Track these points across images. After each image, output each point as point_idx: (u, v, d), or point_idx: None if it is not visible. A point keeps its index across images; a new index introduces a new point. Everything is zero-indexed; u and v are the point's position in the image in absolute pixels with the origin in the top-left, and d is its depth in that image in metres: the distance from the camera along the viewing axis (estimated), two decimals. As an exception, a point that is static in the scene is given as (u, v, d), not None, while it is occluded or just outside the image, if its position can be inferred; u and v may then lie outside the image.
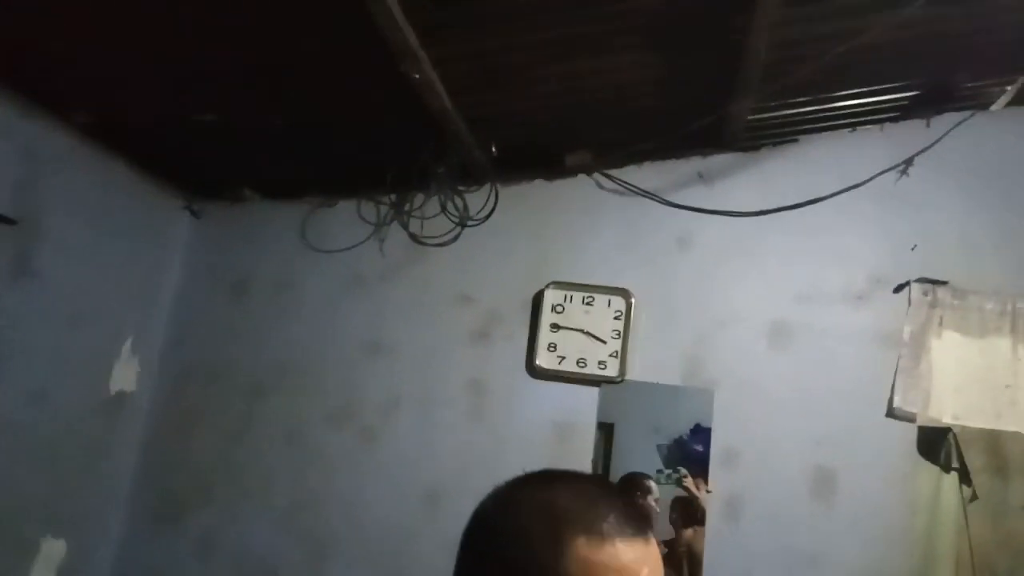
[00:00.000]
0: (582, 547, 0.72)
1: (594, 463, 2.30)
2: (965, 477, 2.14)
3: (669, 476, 2.26)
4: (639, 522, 0.76)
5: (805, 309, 2.30)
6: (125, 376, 2.47)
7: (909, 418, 2.16)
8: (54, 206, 2.11)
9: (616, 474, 2.27)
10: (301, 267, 2.62)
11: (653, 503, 2.25)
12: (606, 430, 2.32)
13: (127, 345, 2.47)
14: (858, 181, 2.30)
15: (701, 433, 2.27)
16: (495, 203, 2.49)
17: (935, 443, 2.16)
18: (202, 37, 1.81)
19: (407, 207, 2.56)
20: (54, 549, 2.24)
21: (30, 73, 1.92)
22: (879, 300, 2.25)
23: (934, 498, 2.14)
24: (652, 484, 2.27)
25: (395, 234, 2.58)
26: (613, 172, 2.48)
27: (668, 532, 2.21)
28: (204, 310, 2.64)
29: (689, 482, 2.24)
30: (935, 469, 2.15)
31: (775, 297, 2.32)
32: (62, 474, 2.24)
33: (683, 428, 2.28)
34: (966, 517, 2.12)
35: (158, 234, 2.59)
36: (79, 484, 2.31)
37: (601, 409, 2.34)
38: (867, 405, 2.19)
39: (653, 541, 0.77)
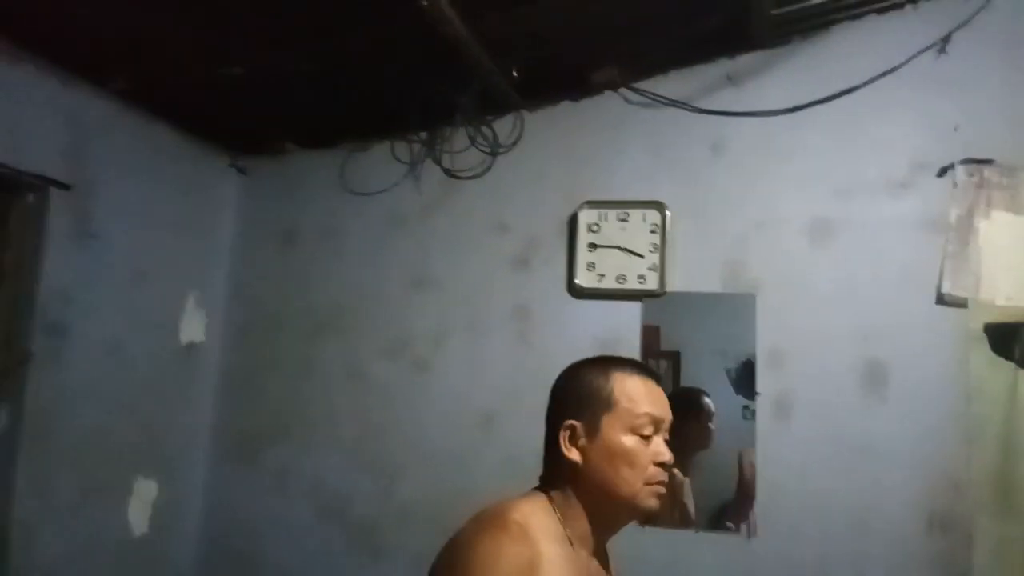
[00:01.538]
0: (620, 377, 1.17)
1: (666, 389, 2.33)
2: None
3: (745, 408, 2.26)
4: (652, 371, 1.24)
5: (845, 203, 2.25)
6: (193, 328, 2.63)
7: (960, 303, 2.11)
8: (105, 171, 2.24)
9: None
10: (344, 212, 2.71)
11: (710, 424, 2.27)
12: (673, 358, 2.33)
13: (191, 299, 2.62)
14: (893, 66, 2.22)
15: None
16: (521, 129, 2.51)
17: (1009, 338, 2.09)
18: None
19: (438, 143, 2.61)
20: (147, 489, 2.43)
21: (65, 44, 2.02)
22: (922, 186, 2.19)
23: (1010, 395, 2.09)
24: (707, 402, 2.29)
25: (429, 171, 2.63)
26: (639, 84, 2.45)
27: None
28: (259, 261, 2.77)
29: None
30: (1009, 365, 2.08)
31: (814, 194, 2.28)
32: (146, 420, 2.42)
33: (738, 348, 2.27)
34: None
35: (208, 192, 2.72)
36: (163, 429, 2.50)
37: (646, 333, 2.35)
38: (915, 294, 2.15)
39: (660, 386, 1.21)
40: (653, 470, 1.15)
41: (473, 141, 2.55)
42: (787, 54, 2.34)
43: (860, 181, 2.25)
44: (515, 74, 2.36)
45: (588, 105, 2.51)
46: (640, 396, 1.17)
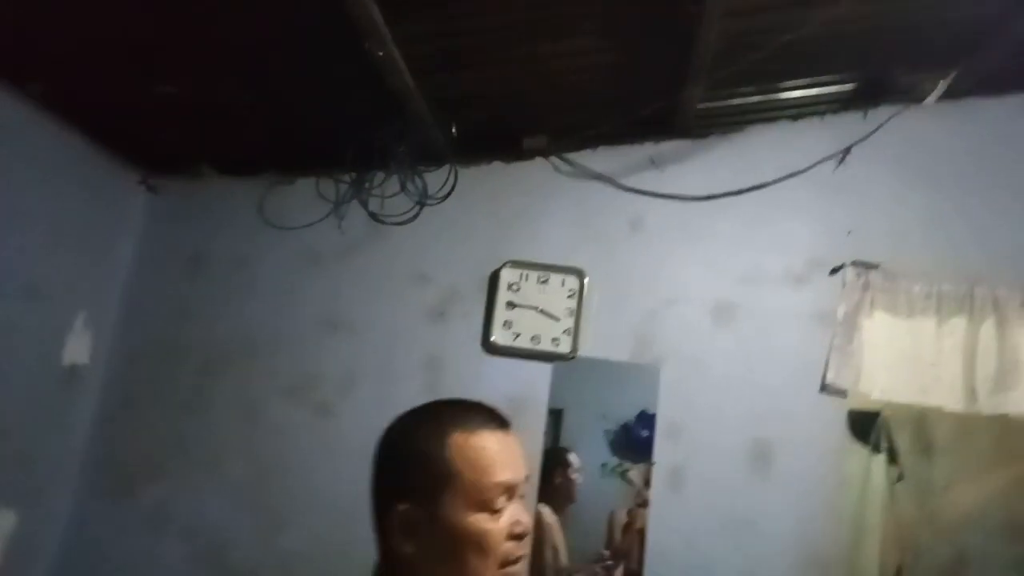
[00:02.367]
0: (458, 438, 0.98)
1: (545, 444, 2.38)
2: (893, 458, 2.28)
3: (614, 469, 2.34)
4: (501, 420, 1.04)
5: (747, 290, 2.41)
6: (78, 349, 2.45)
7: (841, 393, 2.29)
8: (7, 175, 2.09)
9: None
10: (258, 244, 2.64)
11: (575, 476, 2.35)
12: (555, 416, 2.40)
13: (80, 318, 2.45)
14: (799, 169, 2.43)
15: (646, 420, 2.36)
16: (454, 183, 2.55)
17: (866, 425, 2.29)
18: (160, 10, 1.83)
19: (367, 185, 2.60)
20: (3, 520, 2.22)
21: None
22: (816, 281, 2.38)
23: (864, 477, 2.28)
24: (572, 457, 2.36)
25: (354, 212, 2.61)
26: (569, 155, 2.56)
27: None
28: (159, 285, 2.64)
29: (633, 474, 2.33)
30: (865, 450, 2.28)
31: (720, 278, 2.43)
32: (13, 446, 2.22)
33: (629, 413, 2.37)
34: (892, 496, 2.26)
35: (114, 208, 2.57)
36: (30, 456, 2.30)
37: (553, 390, 2.41)
38: (803, 381, 2.32)
39: (512, 434, 1.03)
40: (508, 546, 0.96)
41: (404, 188, 2.56)
42: (707, 146, 2.52)
43: (762, 271, 2.42)
44: (454, 131, 2.41)
45: (518, 168, 2.59)
46: (488, 461, 0.97)
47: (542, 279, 2.48)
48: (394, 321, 2.52)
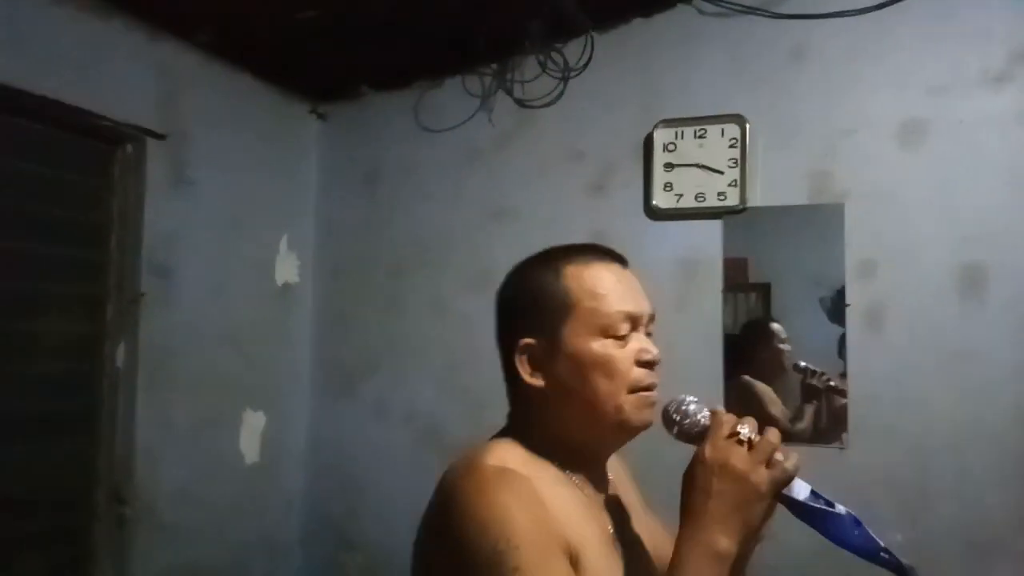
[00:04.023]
0: (573, 272, 0.99)
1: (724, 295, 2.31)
2: None
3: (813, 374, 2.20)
4: (616, 255, 1.04)
5: (939, 101, 2.13)
6: (287, 269, 2.75)
7: (1067, 199, 1.98)
8: (195, 120, 2.35)
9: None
10: (420, 150, 2.75)
11: (782, 346, 2.24)
12: (763, 289, 2.29)
13: (283, 242, 2.74)
14: (991, -53, 2.06)
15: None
16: (592, 52, 2.47)
17: None
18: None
19: (508, 73, 2.60)
20: (255, 420, 2.60)
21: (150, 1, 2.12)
22: (1022, 79, 2.04)
23: None
24: (776, 327, 2.25)
25: (501, 102, 2.63)
26: (713, -6, 2.37)
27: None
28: (343, 203, 2.86)
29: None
30: None
31: (902, 95, 2.17)
32: (251, 357, 2.57)
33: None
34: None
35: (291, 139, 2.81)
36: (267, 365, 2.65)
37: (727, 243, 2.32)
38: (1017, 194, 2.04)
39: (630, 271, 1.04)
40: (638, 373, 0.96)
41: (544, 68, 2.53)
42: (871, -53, 2.20)
43: (955, 77, 2.12)
44: (583, -7, 2.32)
45: (659, 20, 2.44)
46: (605, 289, 0.97)
47: (699, 133, 2.35)
48: (556, 201, 2.55)
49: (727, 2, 2.36)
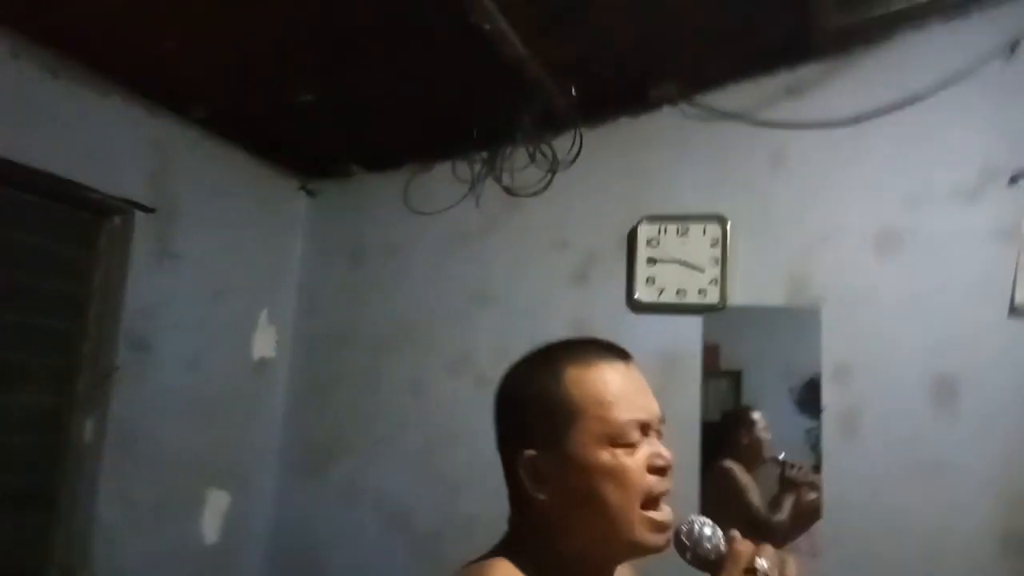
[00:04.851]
0: (576, 375, 0.92)
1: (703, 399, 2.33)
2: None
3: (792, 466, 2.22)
4: (619, 351, 0.97)
5: (912, 213, 2.21)
6: (265, 343, 2.73)
7: (1036, 315, 2.04)
8: (185, 195, 2.36)
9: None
10: (407, 230, 2.78)
11: (762, 435, 2.26)
12: (734, 377, 2.33)
13: (263, 316, 2.73)
14: (960, 72, 2.18)
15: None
16: (580, 146, 2.54)
17: None
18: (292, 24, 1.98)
19: (498, 161, 2.66)
20: (219, 499, 2.53)
21: (150, 76, 2.16)
22: (992, 195, 2.13)
23: None
24: (756, 416, 2.27)
25: (490, 189, 2.68)
26: (698, 99, 2.46)
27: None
28: (327, 279, 2.87)
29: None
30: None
31: (879, 204, 2.25)
32: (220, 433, 2.53)
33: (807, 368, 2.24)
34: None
35: (279, 214, 2.83)
36: (235, 442, 2.60)
37: (707, 339, 2.35)
38: (987, 306, 2.09)
39: (635, 366, 0.96)
40: (649, 480, 0.89)
41: (533, 159, 2.60)
42: (849, 64, 2.32)
43: (928, 190, 2.20)
44: (574, 92, 2.40)
45: (646, 120, 2.53)
46: (612, 395, 0.91)
47: (682, 231, 2.41)
48: (539, 289, 2.57)
49: (710, 107, 2.45)
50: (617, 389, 0.91)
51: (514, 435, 0.94)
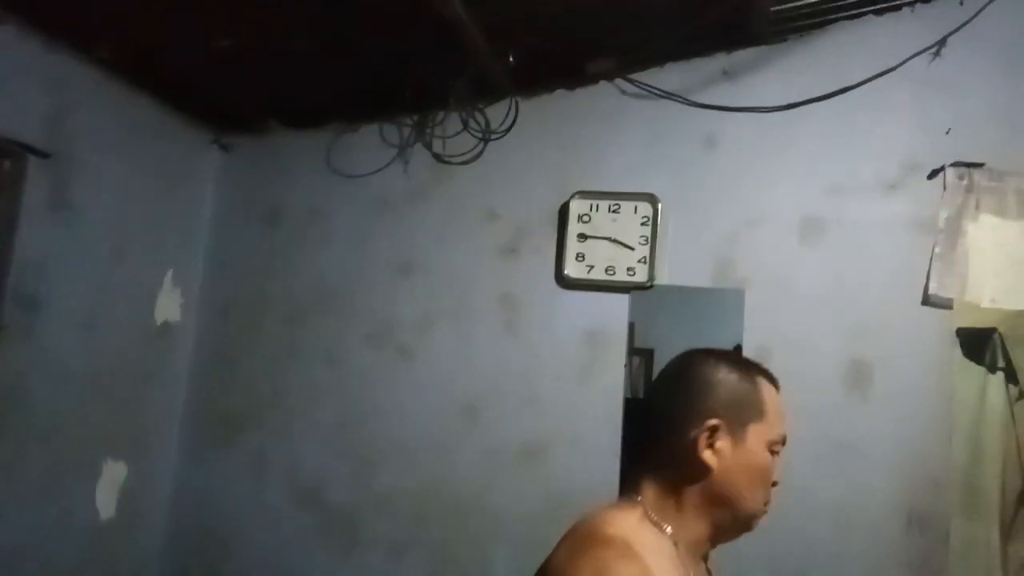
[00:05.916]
0: (764, 386, 1.08)
1: (627, 377, 2.33)
2: (1012, 376, 2.11)
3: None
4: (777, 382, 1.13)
5: (836, 202, 2.26)
6: (169, 307, 2.55)
7: (946, 304, 2.13)
8: (85, 141, 2.16)
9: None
10: (329, 194, 2.65)
11: None
12: (646, 355, 2.33)
13: (168, 277, 2.54)
14: (889, 67, 2.23)
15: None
16: (515, 116, 2.48)
17: (980, 344, 2.12)
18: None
19: (429, 127, 2.57)
20: (115, 471, 2.36)
21: (50, 7, 1.95)
22: (913, 187, 2.21)
23: (979, 396, 2.12)
24: None
25: (419, 155, 2.59)
26: (635, 76, 2.44)
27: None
28: (240, 241, 2.70)
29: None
30: (980, 369, 2.12)
31: (805, 192, 2.29)
32: (118, 400, 2.35)
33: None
34: (1013, 415, 2.10)
35: (190, 168, 2.64)
36: (134, 410, 2.43)
37: (633, 318, 2.35)
38: (902, 294, 2.17)
39: None
40: (771, 491, 1.08)
41: (466, 126, 2.51)
42: (784, 51, 2.34)
43: (852, 180, 2.26)
44: (511, 60, 2.33)
45: (583, 94, 2.49)
46: (780, 411, 1.09)
47: (613, 208, 2.39)
48: (466, 261, 2.51)
49: (647, 85, 2.43)
50: (781, 408, 1.10)
51: (704, 403, 1.05)
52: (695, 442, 1.03)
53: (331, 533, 2.46)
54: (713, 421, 1.03)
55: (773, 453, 1.06)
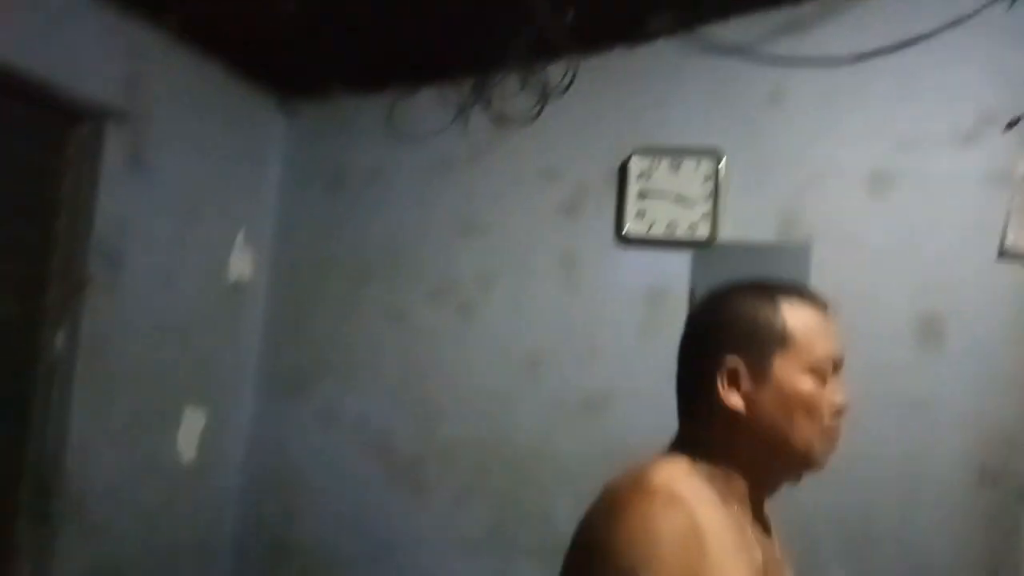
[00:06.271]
0: (790, 308, 0.99)
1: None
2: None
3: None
4: (822, 300, 1.03)
5: (908, 155, 2.20)
6: (242, 266, 2.65)
7: (1023, 258, 2.06)
8: (160, 103, 2.25)
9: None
10: (390, 155, 2.70)
11: None
12: None
13: (240, 237, 2.64)
14: (964, 14, 2.14)
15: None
16: (574, 75, 2.47)
17: None
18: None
19: (488, 88, 2.58)
20: (196, 418, 2.48)
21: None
22: (988, 140, 2.13)
23: None
24: None
25: (478, 116, 2.60)
26: (698, 30, 2.40)
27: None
28: (306, 203, 2.78)
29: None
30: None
31: (874, 145, 2.23)
32: (196, 352, 2.47)
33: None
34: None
35: (257, 131, 2.72)
36: (211, 362, 2.54)
37: (695, 275, 2.34)
38: (977, 249, 2.11)
39: (832, 316, 1.02)
40: (829, 418, 0.98)
41: (524, 86, 2.52)
42: (853, 2, 2.27)
43: (924, 133, 2.19)
44: (570, 18, 2.32)
45: (643, 52, 2.46)
46: (818, 331, 0.98)
47: (674, 164, 2.37)
48: (526, 220, 2.53)
49: (710, 40, 2.39)
50: (821, 328, 0.99)
51: (719, 343, 0.99)
52: (713, 387, 0.98)
53: (397, 481, 2.55)
54: (731, 360, 0.97)
55: (818, 377, 0.96)
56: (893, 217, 2.19)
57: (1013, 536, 2.06)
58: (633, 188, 2.40)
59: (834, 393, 0.99)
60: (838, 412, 0.99)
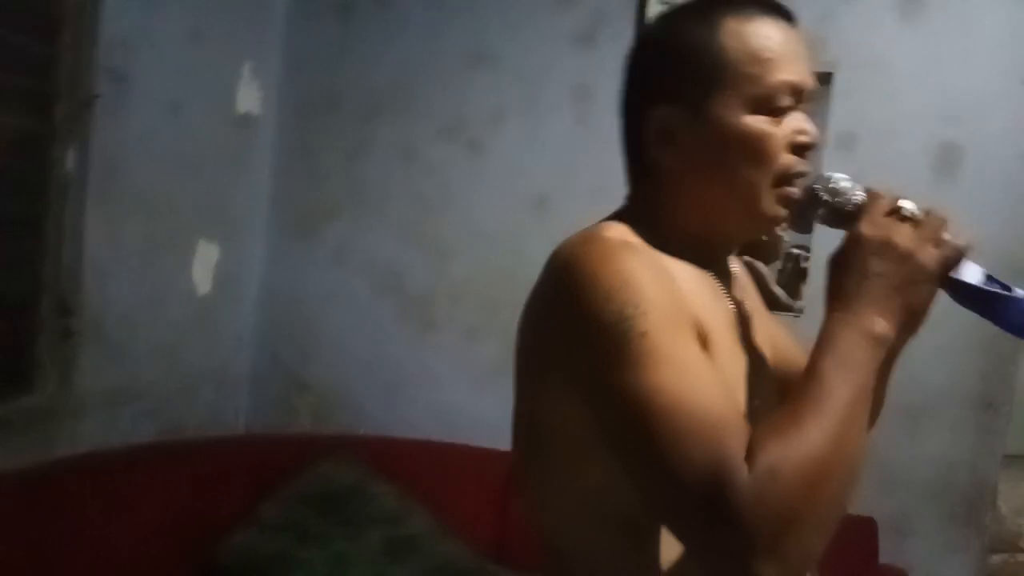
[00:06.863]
0: (734, 27, 0.80)
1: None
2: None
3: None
4: (784, 10, 0.83)
5: (942, -27, 2.09)
6: (249, 99, 2.60)
7: (1054, 82, 1.98)
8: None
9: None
10: (407, -18, 2.59)
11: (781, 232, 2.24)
12: None
13: (246, 69, 2.58)
14: None
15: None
16: None
17: None
18: None
19: (502, -95, 2.44)
20: (209, 252, 2.50)
21: None
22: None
23: None
24: None
25: (491, -62, 2.48)
26: None
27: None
28: (313, 35, 2.69)
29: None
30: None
31: (908, -37, 2.11)
32: (207, 184, 2.45)
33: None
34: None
35: (261, -43, 2.61)
36: (222, 196, 2.54)
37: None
38: (1003, 74, 2.03)
39: (798, 30, 0.83)
40: (788, 159, 0.81)
41: (540, -98, 2.38)
42: None
43: (961, -50, 2.07)
44: None
45: None
46: (771, 52, 0.79)
47: (697, -14, 2.26)
48: (539, 51, 2.45)
49: None
50: (777, 47, 0.80)
51: (648, 89, 0.85)
52: (643, 143, 0.84)
53: (408, 318, 2.60)
54: (659, 108, 0.82)
55: (770, 111, 0.80)
56: (922, 42, 2.11)
57: (1010, 364, 2.08)
58: (653, 13, 2.30)
59: (794, 126, 0.81)
60: (799, 147, 0.82)
